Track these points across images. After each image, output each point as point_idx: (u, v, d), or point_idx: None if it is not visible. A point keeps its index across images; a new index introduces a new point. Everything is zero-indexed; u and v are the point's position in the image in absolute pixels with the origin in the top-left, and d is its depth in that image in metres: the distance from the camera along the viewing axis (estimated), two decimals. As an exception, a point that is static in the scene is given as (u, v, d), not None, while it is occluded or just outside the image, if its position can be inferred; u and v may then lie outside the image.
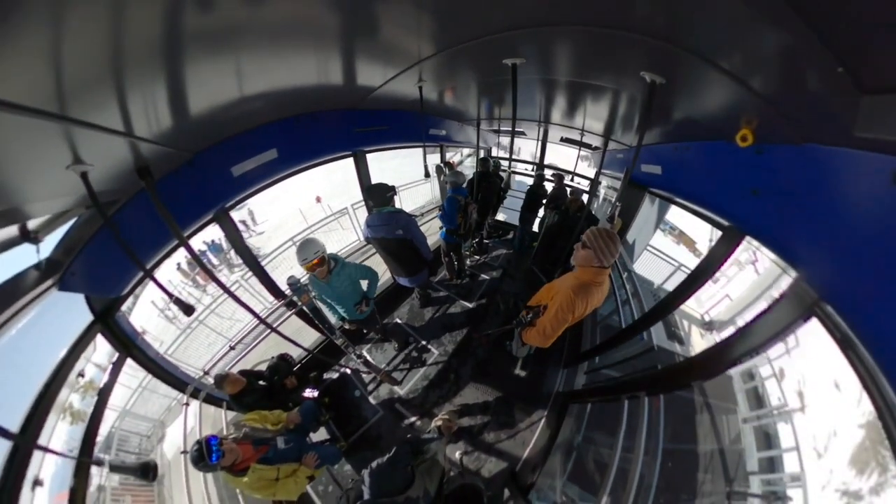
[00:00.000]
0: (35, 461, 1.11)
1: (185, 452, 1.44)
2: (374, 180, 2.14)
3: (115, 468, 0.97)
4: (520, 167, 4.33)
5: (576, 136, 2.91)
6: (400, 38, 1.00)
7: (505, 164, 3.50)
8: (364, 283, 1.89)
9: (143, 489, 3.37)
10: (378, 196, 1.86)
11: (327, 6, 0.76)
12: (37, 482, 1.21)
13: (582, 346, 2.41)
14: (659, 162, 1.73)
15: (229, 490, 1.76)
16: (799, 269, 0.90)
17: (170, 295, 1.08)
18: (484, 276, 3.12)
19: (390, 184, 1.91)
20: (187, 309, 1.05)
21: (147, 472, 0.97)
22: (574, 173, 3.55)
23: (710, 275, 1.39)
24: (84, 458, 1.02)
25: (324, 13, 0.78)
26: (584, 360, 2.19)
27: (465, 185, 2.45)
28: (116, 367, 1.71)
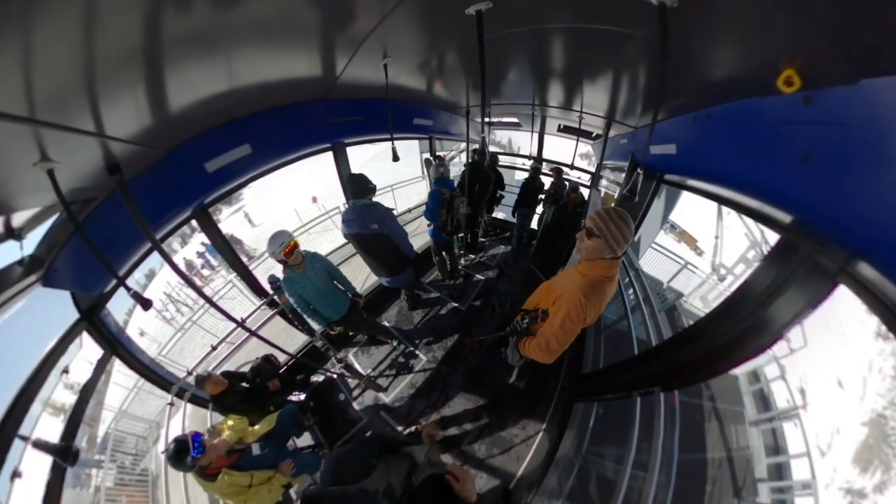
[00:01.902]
0: (15, 453, 1.08)
1: (165, 452, 1.41)
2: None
3: (38, 445, 0.94)
4: (515, 162, 4.20)
5: (574, 122, 2.71)
6: (347, 11, 0.88)
7: (500, 158, 3.37)
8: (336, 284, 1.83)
9: (137, 490, 3.39)
10: (357, 185, 1.76)
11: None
12: (16, 474, 1.20)
13: (584, 360, 2.12)
14: (672, 139, 1.39)
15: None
16: (852, 251, 0.68)
17: (128, 289, 1.08)
18: (479, 277, 3.01)
19: (374, 182, 1.82)
20: (145, 303, 1.05)
21: (66, 455, 0.96)
22: (572, 166, 3.39)
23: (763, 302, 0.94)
24: (20, 436, 1.00)
25: (277, 2, 0.75)
26: (587, 383, 1.98)
27: (451, 178, 2.31)
28: (101, 365, 1.68)
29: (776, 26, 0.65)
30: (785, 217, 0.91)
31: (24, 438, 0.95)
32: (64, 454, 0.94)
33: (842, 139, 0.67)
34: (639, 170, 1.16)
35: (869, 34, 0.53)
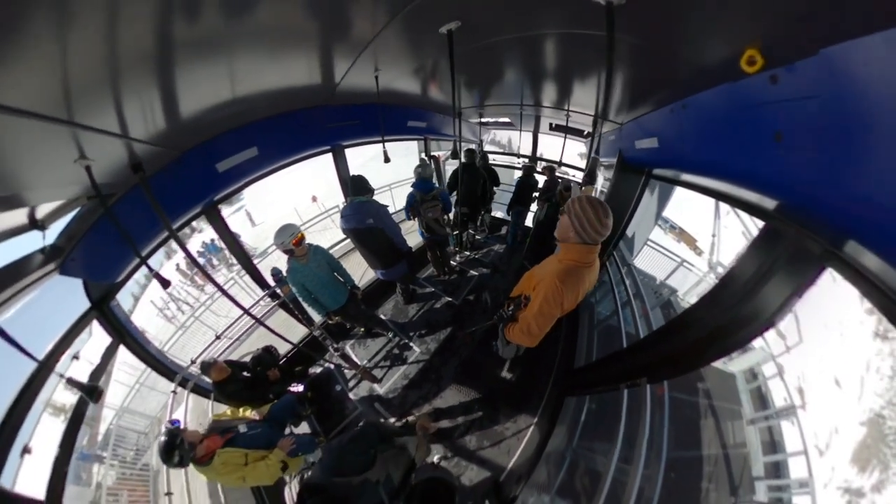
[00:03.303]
0: (26, 430, 1.16)
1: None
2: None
3: (70, 382, 1.03)
4: (512, 161, 4.29)
5: (563, 121, 2.80)
6: (345, 25, 0.98)
7: (491, 157, 3.44)
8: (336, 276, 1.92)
9: (139, 484, 3.41)
10: (357, 185, 1.87)
11: (288, 13, 0.83)
12: (26, 450, 1.26)
13: (577, 354, 2.16)
14: (654, 133, 1.42)
15: (215, 485, 1.77)
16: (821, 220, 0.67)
17: (151, 269, 1.19)
18: (473, 273, 3.09)
19: (372, 185, 1.93)
20: (164, 283, 1.14)
21: (92, 392, 1.04)
22: (561, 163, 3.45)
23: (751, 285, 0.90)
24: (64, 373, 1.09)
25: (281, 18, 0.84)
26: (578, 377, 1.96)
27: (432, 179, 2.36)
28: (109, 353, 1.76)
29: (734, 6, 0.65)
30: (768, 203, 0.87)
31: (60, 375, 1.03)
32: (90, 391, 1.03)
33: (815, 113, 0.64)
34: (594, 155, 1.21)
35: (824, 3, 0.53)
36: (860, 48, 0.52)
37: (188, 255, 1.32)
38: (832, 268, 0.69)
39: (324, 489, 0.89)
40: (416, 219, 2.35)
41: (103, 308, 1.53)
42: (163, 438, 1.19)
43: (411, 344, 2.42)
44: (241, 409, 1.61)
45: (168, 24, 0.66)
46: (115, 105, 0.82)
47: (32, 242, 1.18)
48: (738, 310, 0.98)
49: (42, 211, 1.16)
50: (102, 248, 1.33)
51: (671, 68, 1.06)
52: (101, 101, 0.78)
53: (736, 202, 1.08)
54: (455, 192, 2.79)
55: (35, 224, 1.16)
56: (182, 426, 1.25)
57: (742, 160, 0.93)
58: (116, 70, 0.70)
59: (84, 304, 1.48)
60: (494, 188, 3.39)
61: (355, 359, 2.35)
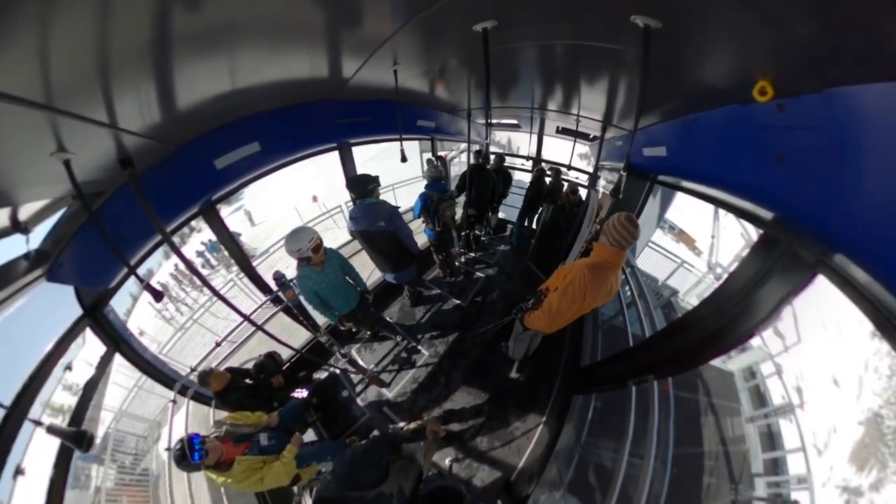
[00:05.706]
0: (17, 450, 1.09)
1: (168, 450, 1.42)
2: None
3: (51, 430, 0.93)
4: (515, 162, 4.26)
5: (572, 125, 2.82)
6: (363, 20, 0.95)
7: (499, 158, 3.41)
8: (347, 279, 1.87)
9: (138, 489, 3.37)
10: (359, 187, 1.80)
11: (297, 2, 0.78)
12: (18, 471, 1.20)
13: (582, 354, 2.23)
14: (663, 142, 1.53)
15: (217, 490, 1.74)
16: (817, 236, 0.80)
17: (140, 280, 1.10)
18: (479, 274, 3.08)
19: (374, 174, 1.85)
20: (157, 295, 1.06)
21: (81, 440, 0.96)
22: (570, 166, 3.48)
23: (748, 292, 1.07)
24: (32, 419, 1.01)
25: (294, 7, 0.79)
26: (585, 375, 2.02)
27: (444, 181, 2.34)
28: (104, 362, 1.69)
29: (752, 41, 0.74)
30: (766, 214, 1.02)
31: (38, 423, 0.96)
32: (78, 439, 0.94)
33: (814, 142, 0.76)
34: (622, 172, 1.26)
35: (835, 48, 0.61)
36: (860, 93, 0.63)
37: (185, 261, 1.24)
38: (823, 275, 0.82)
39: (339, 503, 0.86)
40: (426, 220, 2.33)
41: (96, 315, 1.45)
42: (178, 447, 1.14)
43: (419, 347, 2.39)
44: (255, 414, 1.57)
45: (165, 5, 0.59)
46: (102, 90, 0.73)
47: (15, 247, 1.08)
48: (738, 310, 1.10)
49: (25, 212, 1.07)
50: (93, 251, 1.24)
51: (687, 86, 1.16)
52: (84, 84, 0.68)
53: (736, 211, 1.22)
54: (463, 194, 2.76)
55: (18, 226, 1.06)
56: (203, 449, 1.17)
57: (745, 174, 1.04)
58: (102, 49, 0.61)
59: (76, 311, 1.41)
60: (507, 190, 3.39)
61: (362, 363, 2.31)
